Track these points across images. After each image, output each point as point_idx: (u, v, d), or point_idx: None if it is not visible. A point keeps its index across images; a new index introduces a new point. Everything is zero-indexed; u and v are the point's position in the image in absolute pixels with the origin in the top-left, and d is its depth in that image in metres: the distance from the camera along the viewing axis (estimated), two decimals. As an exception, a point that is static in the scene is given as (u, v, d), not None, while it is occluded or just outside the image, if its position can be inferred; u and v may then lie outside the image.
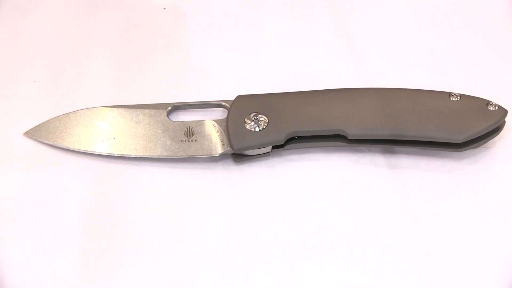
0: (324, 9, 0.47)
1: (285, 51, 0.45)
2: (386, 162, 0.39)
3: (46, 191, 0.38)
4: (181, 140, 0.39)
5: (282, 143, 0.38)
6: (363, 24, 0.46)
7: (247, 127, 0.38)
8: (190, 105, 0.41)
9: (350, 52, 0.45)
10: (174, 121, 0.40)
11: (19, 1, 0.47)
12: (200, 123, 0.39)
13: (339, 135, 0.38)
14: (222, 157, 0.39)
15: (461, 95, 0.39)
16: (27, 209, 0.37)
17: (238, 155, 0.39)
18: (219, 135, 0.39)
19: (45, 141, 0.39)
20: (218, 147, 0.38)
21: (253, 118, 0.38)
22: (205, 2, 0.47)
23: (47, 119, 0.40)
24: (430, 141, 0.38)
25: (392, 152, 0.40)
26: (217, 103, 0.41)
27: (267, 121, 0.38)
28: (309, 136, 0.39)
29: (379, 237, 0.37)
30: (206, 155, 0.38)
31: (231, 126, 0.38)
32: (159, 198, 0.38)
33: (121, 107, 0.40)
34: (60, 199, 0.38)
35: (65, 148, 0.39)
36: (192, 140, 0.39)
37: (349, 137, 0.38)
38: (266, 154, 0.39)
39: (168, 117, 0.40)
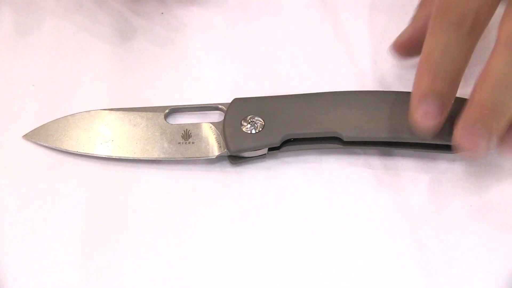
0: (319, 13, 0.47)
1: (281, 55, 0.45)
2: (381, 164, 0.40)
3: (45, 193, 0.38)
4: (178, 143, 0.39)
5: (278, 145, 0.39)
6: (359, 27, 0.47)
7: (244, 129, 0.38)
8: (187, 108, 0.41)
9: (346, 55, 0.45)
10: (172, 124, 0.40)
11: (17, 6, 0.47)
12: (197, 125, 0.40)
13: (334, 137, 0.39)
14: (219, 159, 0.39)
15: (455, 97, 0.39)
16: (26, 212, 0.37)
17: (234, 157, 0.39)
18: (216, 138, 0.39)
19: (44, 144, 0.40)
20: (215, 149, 0.39)
21: (249, 121, 0.39)
22: (202, 6, 0.48)
23: (45, 122, 0.41)
24: (425, 143, 0.38)
25: (387, 154, 0.40)
26: (214, 106, 0.41)
27: (263, 123, 0.39)
28: (305, 138, 0.39)
29: (374, 239, 0.37)
30: (203, 157, 0.39)
31: (228, 129, 0.39)
32: (156, 200, 0.38)
33: (119, 110, 0.41)
34: (58, 202, 0.38)
35: (64, 150, 0.39)
36: (189, 143, 0.39)
37: (344, 139, 0.38)
38: (262, 156, 0.39)
39: (165, 120, 0.40)
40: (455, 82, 0.35)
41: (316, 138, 0.39)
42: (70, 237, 0.37)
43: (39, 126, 0.40)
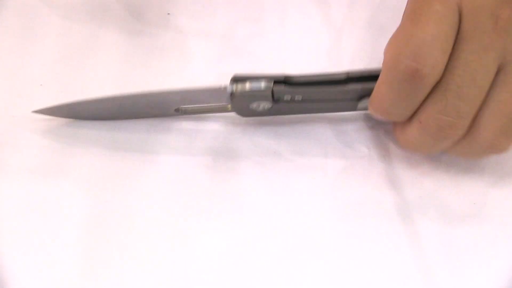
0: (321, 12, 0.48)
1: (283, 55, 0.46)
2: (384, 162, 0.40)
3: (47, 191, 0.38)
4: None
5: (282, 79, 0.38)
6: (361, 27, 0.47)
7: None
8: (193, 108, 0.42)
9: (347, 55, 0.45)
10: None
11: (25, 6, 0.48)
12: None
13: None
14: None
15: None
16: (27, 210, 0.38)
17: (241, 111, 0.39)
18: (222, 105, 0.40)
19: (53, 115, 0.41)
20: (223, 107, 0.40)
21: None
22: (207, 7, 0.48)
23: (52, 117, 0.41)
24: None
25: (387, 149, 0.40)
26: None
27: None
28: (311, 82, 0.38)
29: (375, 237, 0.37)
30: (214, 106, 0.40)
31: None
32: (154, 199, 0.38)
33: None
34: (60, 199, 0.38)
35: (72, 116, 0.41)
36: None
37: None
38: (267, 112, 0.39)
39: None
40: (406, 115, 0.36)
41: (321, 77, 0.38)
42: (71, 236, 0.36)
43: (48, 106, 0.41)
